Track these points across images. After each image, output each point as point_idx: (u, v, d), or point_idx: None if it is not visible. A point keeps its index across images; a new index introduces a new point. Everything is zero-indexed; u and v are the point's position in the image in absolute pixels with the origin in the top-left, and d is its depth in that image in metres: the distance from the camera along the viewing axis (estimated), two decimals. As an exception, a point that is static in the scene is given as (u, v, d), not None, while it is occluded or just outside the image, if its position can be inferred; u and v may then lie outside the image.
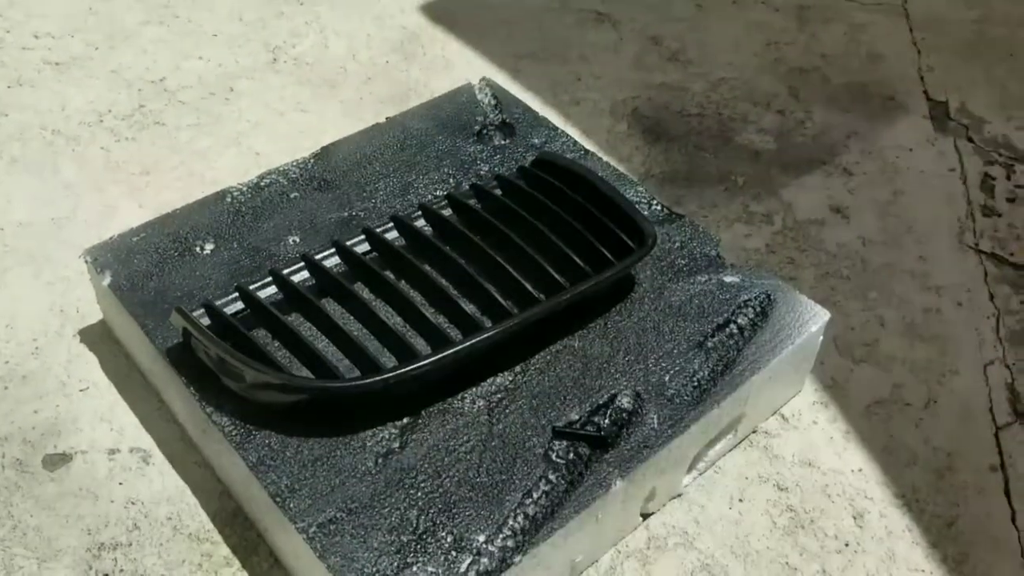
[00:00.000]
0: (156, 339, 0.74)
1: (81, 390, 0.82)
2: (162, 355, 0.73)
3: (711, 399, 0.73)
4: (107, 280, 0.78)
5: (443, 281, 0.78)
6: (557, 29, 1.27)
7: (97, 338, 0.86)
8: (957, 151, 1.13)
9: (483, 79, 1.00)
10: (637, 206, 0.86)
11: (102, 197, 0.99)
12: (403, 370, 0.69)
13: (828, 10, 1.34)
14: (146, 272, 0.79)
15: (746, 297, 0.80)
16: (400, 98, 1.15)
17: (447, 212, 0.84)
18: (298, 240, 0.83)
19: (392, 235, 0.82)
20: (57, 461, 0.77)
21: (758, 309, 0.80)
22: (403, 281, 0.78)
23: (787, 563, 0.74)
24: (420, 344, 0.73)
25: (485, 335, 0.72)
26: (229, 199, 0.86)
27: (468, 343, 0.71)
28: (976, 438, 0.84)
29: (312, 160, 0.90)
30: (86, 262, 0.80)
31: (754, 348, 0.77)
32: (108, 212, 0.98)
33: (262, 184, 0.87)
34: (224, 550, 0.73)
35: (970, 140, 1.15)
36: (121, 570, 0.71)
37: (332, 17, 1.26)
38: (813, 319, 0.79)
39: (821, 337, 0.82)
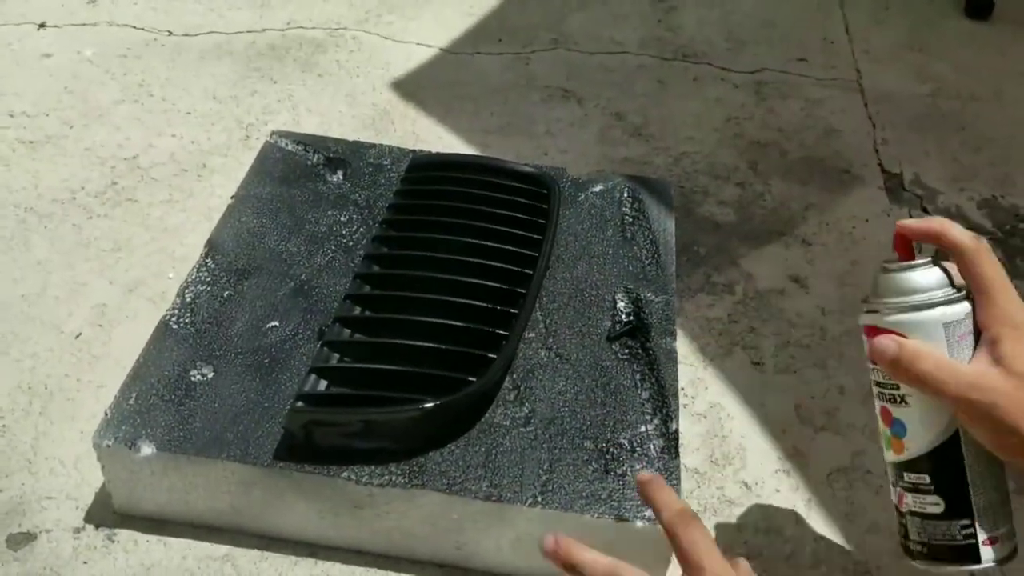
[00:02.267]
0: (251, 457, 0.72)
1: (48, 469, 0.82)
2: (275, 466, 0.72)
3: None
4: (148, 450, 0.72)
5: (447, 276, 0.84)
6: (523, 105, 1.31)
7: (65, 416, 0.86)
8: (912, 221, 1.17)
9: (274, 132, 1.05)
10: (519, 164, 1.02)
11: (72, 274, 1.01)
12: (503, 356, 0.77)
13: (785, 86, 1.39)
14: (174, 424, 0.75)
15: (618, 195, 1.01)
16: (370, 174, 1.17)
17: (391, 231, 0.91)
18: (278, 324, 0.83)
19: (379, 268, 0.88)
20: (21, 540, 0.77)
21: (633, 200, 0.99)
22: (420, 297, 0.83)
23: (752, 633, 0.75)
24: (483, 334, 0.80)
25: (528, 289, 0.83)
26: (176, 324, 0.83)
27: (524, 297, 0.83)
28: (935, 504, 0.86)
29: (209, 259, 0.89)
30: (99, 450, 0.74)
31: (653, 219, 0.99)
32: (78, 289, 0.99)
33: (188, 300, 0.85)
34: (188, 629, 0.72)
35: (924, 211, 1.19)
36: (83, 652, 0.70)
37: (305, 95, 1.29)
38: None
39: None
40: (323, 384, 0.76)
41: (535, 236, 0.89)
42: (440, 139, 1.23)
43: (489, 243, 0.87)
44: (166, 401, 0.76)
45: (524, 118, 1.29)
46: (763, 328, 1.01)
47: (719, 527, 0.82)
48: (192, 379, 0.79)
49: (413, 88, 1.33)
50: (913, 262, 0.62)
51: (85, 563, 0.76)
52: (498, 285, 0.83)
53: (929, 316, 0.60)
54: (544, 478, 0.73)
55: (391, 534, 0.75)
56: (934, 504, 0.63)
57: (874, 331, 0.63)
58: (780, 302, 1.04)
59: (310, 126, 1.24)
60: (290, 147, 1.02)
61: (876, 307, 0.63)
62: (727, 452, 0.88)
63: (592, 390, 0.80)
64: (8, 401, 0.87)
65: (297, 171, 1.01)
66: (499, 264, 0.85)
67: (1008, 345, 0.58)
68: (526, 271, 0.86)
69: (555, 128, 1.27)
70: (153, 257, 1.04)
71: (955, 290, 0.61)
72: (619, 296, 0.88)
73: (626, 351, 0.84)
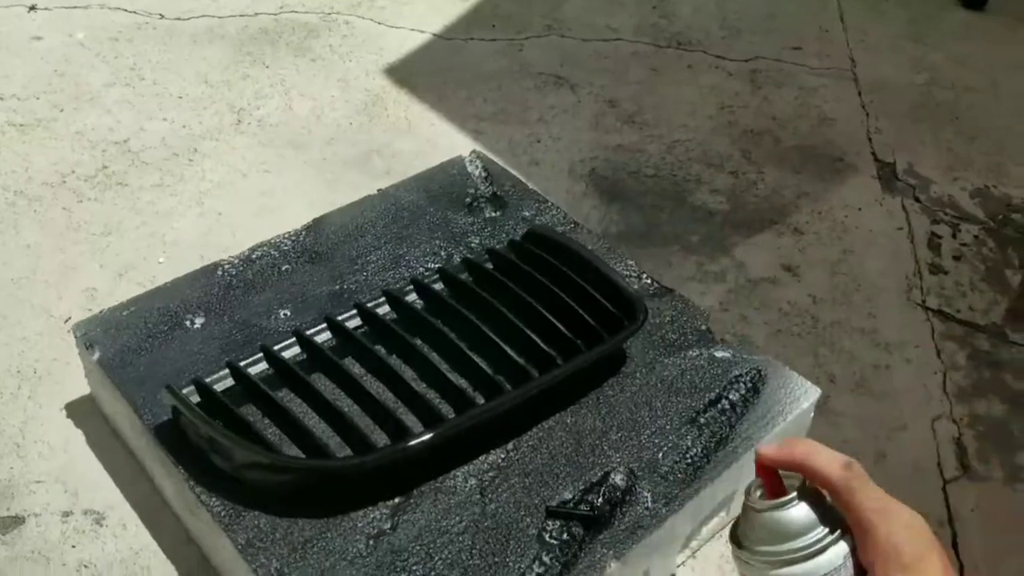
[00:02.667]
0: (145, 416, 0.74)
1: (36, 452, 0.82)
2: (151, 433, 0.73)
3: (705, 476, 0.74)
4: (96, 355, 0.78)
5: (435, 356, 0.78)
6: (517, 92, 1.31)
7: (54, 400, 0.86)
8: (904, 211, 1.17)
9: (473, 152, 1.01)
10: (627, 280, 0.87)
11: (63, 258, 1.00)
12: (396, 448, 0.69)
13: (780, 74, 1.39)
14: (136, 347, 0.79)
15: (737, 373, 0.81)
16: (363, 159, 1.17)
17: (438, 286, 0.84)
18: (289, 314, 0.83)
19: (384, 310, 0.82)
20: (9, 524, 0.77)
21: (749, 385, 0.80)
22: (395, 356, 0.79)
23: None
24: (412, 421, 0.73)
25: (477, 411, 0.72)
26: (220, 272, 0.86)
27: (461, 419, 0.71)
28: (925, 493, 0.86)
29: (304, 232, 0.91)
30: (75, 336, 0.80)
31: (746, 424, 0.77)
32: (68, 273, 0.98)
33: (253, 257, 0.88)
34: (177, 613, 0.73)
35: (917, 200, 1.19)
36: (71, 635, 0.70)
37: (297, 80, 1.29)
38: (805, 396, 0.80)
39: (812, 414, 0.82)
40: (228, 383, 0.75)
41: (576, 349, 0.78)
42: (432, 126, 1.23)
43: (522, 327, 0.79)
44: (148, 326, 0.80)
45: (517, 104, 1.28)
46: (755, 316, 1.01)
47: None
48: (184, 321, 0.81)
49: (406, 74, 1.32)
50: (779, 500, 0.53)
51: (74, 547, 0.75)
52: (488, 371, 0.76)
53: (804, 570, 0.52)
54: None
55: (206, 546, 0.75)
56: None
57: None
58: (772, 291, 1.04)
59: (303, 111, 1.23)
60: (473, 169, 0.99)
61: (746, 556, 0.54)
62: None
63: (471, 550, 0.68)
64: (-3, 385, 0.87)
65: (455, 193, 0.97)
66: (512, 352, 0.77)
67: None
68: (532, 373, 0.76)
69: (548, 115, 1.27)
70: (144, 241, 1.03)
71: (829, 529, 0.52)
72: (616, 473, 0.73)
73: (559, 535, 0.68)
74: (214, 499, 0.69)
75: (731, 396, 0.79)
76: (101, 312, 0.82)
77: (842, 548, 0.52)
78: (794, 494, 0.52)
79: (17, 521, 0.77)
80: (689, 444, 0.76)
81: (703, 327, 0.85)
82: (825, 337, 0.99)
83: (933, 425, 0.91)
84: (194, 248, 1.02)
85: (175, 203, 1.08)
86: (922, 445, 0.90)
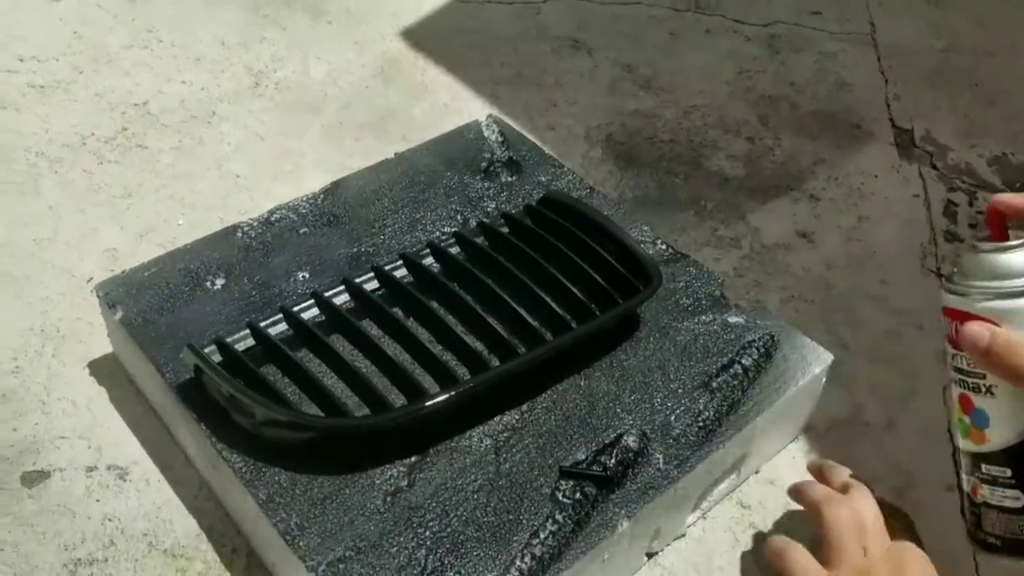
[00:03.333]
0: (167, 375, 0.75)
1: (60, 409, 0.83)
2: (173, 391, 0.74)
3: (716, 439, 0.75)
4: (119, 315, 0.79)
5: (451, 319, 0.79)
6: (533, 56, 1.30)
7: (77, 358, 0.88)
8: (921, 178, 1.17)
9: (490, 116, 1.02)
10: (642, 245, 0.88)
11: (84, 219, 1.01)
12: (412, 408, 0.71)
13: (799, 39, 1.38)
14: (157, 307, 0.80)
15: (750, 338, 0.81)
16: (379, 123, 1.17)
17: (455, 250, 0.85)
18: (307, 276, 0.84)
19: (400, 272, 0.83)
20: (35, 478, 0.79)
21: (762, 350, 0.81)
22: (411, 319, 0.79)
23: (748, 579, 0.77)
24: (428, 382, 0.74)
25: (492, 373, 0.73)
26: (240, 234, 0.87)
27: (476, 381, 0.72)
28: (935, 458, 0.87)
29: (322, 195, 0.91)
30: (98, 296, 0.81)
31: (758, 389, 0.78)
32: (89, 234, 1.00)
33: (272, 219, 0.89)
34: (199, 566, 0.74)
35: (934, 167, 1.19)
36: (97, 586, 0.72)
37: (314, 43, 1.29)
38: (816, 360, 0.81)
39: (824, 379, 0.83)
40: (248, 343, 0.76)
41: (590, 313, 0.79)
42: (448, 89, 1.23)
43: (537, 291, 0.79)
44: (170, 286, 0.82)
45: (534, 68, 1.28)
46: (768, 282, 1.02)
47: (719, 476, 0.83)
48: (204, 282, 0.82)
49: (422, 36, 1.32)
50: (1009, 243, 0.57)
51: (98, 501, 0.77)
52: (503, 333, 0.77)
53: (1018, 305, 0.55)
54: (344, 557, 0.66)
55: (227, 501, 0.76)
56: (1014, 499, 0.61)
57: (962, 316, 0.58)
58: (786, 257, 1.05)
59: (319, 74, 1.23)
60: (489, 134, 0.99)
61: (964, 289, 0.58)
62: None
63: (486, 508, 0.69)
64: (21, 343, 0.88)
65: (471, 156, 0.96)
66: (527, 316, 0.78)
67: None
68: (546, 336, 0.77)
69: (564, 79, 1.27)
70: (164, 203, 1.04)
71: None
72: (629, 435, 0.74)
73: (571, 494, 0.70)
74: (235, 455, 0.70)
75: (744, 361, 0.80)
76: (123, 272, 0.83)
77: None
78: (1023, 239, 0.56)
79: (43, 476, 0.79)
80: (701, 408, 0.76)
81: (717, 293, 0.86)
82: (839, 304, 1.00)
83: (944, 391, 0.92)
84: (213, 211, 1.03)
85: (194, 166, 1.09)
86: (933, 410, 0.90)
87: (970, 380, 0.60)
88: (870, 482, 0.75)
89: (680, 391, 0.77)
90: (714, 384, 0.78)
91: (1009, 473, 0.61)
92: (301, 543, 0.66)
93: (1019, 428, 0.59)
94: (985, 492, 0.63)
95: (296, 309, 0.78)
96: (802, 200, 1.12)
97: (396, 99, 1.21)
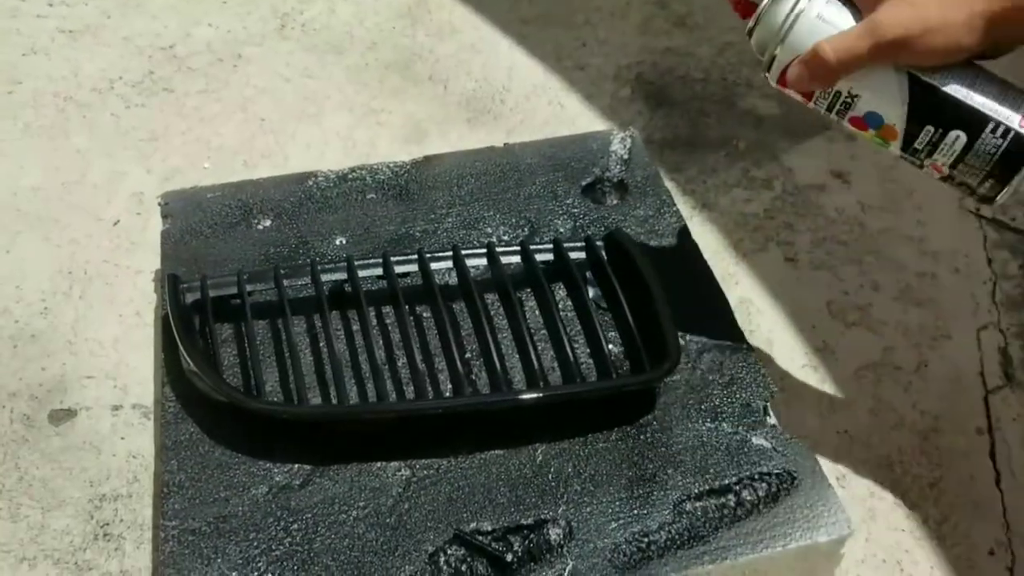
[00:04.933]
0: (166, 295, 0.73)
1: (88, 350, 0.85)
2: (159, 313, 0.75)
3: (648, 570, 0.61)
4: (165, 227, 0.81)
5: (451, 331, 0.72)
6: (564, -6, 1.28)
7: (104, 300, 0.89)
8: (964, 115, 1.12)
9: (630, 129, 0.92)
10: (673, 323, 0.73)
11: (111, 163, 1.02)
12: (328, 407, 0.67)
13: (840, -27, 1.33)
14: (197, 230, 0.81)
15: (764, 470, 0.66)
16: (404, 64, 1.16)
17: (502, 259, 0.78)
18: (344, 242, 0.80)
19: (437, 265, 0.77)
20: (62, 416, 0.80)
21: (769, 490, 0.65)
22: (414, 318, 0.75)
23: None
24: (388, 388, 0.68)
25: (425, 405, 0.67)
26: (311, 182, 0.85)
27: (414, 406, 0.67)
28: (965, 402, 0.85)
29: (409, 166, 0.87)
30: (159, 204, 0.82)
31: (734, 534, 0.63)
32: (117, 177, 1.00)
33: (348, 176, 0.86)
34: (220, 503, 0.76)
35: (978, 104, 1.14)
36: (121, 519, 0.74)
37: (340, -17, 1.27)
38: (829, 527, 0.63)
39: (842, 554, 0.66)
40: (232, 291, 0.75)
41: (573, 378, 0.70)
42: (476, 29, 1.21)
43: (546, 332, 0.74)
44: (221, 213, 0.82)
45: (562, 6, 1.25)
46: (800, 223, 0.99)
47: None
48: (252, 220, 0.82)
49: (451, -24, 1.29)
50: (761, 3, 0.65)
51: (123, 438, 0.79)
52: (497, 367, 0.70)
53: (804, 21, 0.62)
54: (198, 531, 0.62)
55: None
56: (957, 140, 0.60)
57: (783, 75, 0.64)
58: (820, 197, 1.02)
59: (345, 14, 1.22)
60: (617, 147, 0.90)
61: (770, 58, 0.65)
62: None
63: (355, 541, 0.62)
64: (49, 284, 0.90)
65: (582, 167, 0.88)
66: (531, 355, 0.70)
67: None
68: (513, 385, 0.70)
69: (594, 18, 1.24)
70: (190, 147, 1.05)
71: None
72: (554, 526, 0.63)
73: (455, 564, 0.60)
74: (171, 393, 0.69)
75: (742, 494, 0.65)
76: (192, 188, 0.84)
77: None
78: None
79: (69, 414, 0.80)
80: (654, 528, 0.62)
81: (759, 404, 0.70)
82: (872, 245, 0.97)
83: (979, 334, 0.90)
84: (238, 154, 1.04)
85: (219, 109, 1.09)
86: (966, 354, 0.88)
87: (838, 105, 0.63)
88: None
89: (639, 500, 0.64)
90: (688, 507, 0.64)
91: (933, 129, 0.61)
92: (170, 501, 0.63)
93: (900, 94, 0.61)
94: (942, 160, 0.62)
95: (284, 272, 0.75)
96: (838, 140, 1.09)
97: (423, 39, 1.20)
